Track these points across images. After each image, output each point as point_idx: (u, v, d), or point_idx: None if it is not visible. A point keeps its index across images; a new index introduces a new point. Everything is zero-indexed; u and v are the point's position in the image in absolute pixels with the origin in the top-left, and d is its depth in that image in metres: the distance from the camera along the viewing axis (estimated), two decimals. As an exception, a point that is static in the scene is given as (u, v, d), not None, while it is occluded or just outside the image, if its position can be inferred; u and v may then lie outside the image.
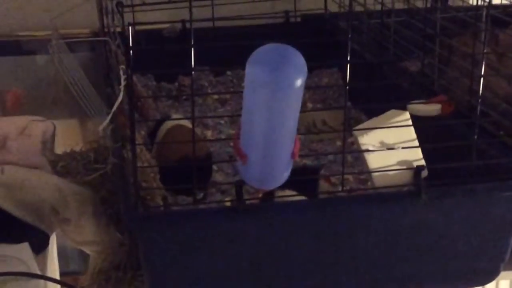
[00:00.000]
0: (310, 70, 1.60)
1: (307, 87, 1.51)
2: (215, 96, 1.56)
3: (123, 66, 0.93)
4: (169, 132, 1.20)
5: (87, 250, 1.11)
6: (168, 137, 1.19)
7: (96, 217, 1.07)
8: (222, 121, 1.45)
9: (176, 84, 1.59)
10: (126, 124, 1.00)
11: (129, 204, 0.93)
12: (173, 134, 1.19)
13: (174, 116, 1.28)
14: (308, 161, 1.28)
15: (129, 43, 0.84)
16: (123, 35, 1.07)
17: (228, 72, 1.62)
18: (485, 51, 1.00)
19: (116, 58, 1.13)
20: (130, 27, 0.86)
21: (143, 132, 1.38)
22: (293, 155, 0.89)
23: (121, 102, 1.03)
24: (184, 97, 1.54)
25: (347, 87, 0.95)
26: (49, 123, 1.14)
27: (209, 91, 1.56)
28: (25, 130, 1.11)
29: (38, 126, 1.12)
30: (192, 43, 0.88)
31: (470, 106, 1.07)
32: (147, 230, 0.93)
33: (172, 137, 1.18)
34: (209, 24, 1.47)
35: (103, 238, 1.07)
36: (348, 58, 0.93)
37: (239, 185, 0.91)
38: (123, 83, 0.93)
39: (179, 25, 1.57)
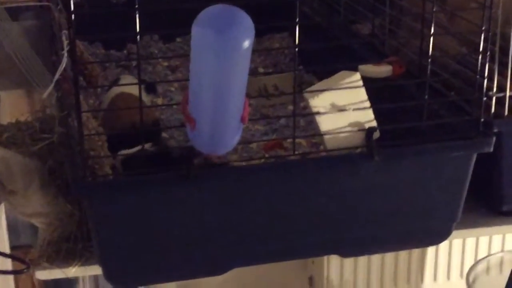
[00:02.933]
0: (261, 35, 1.60)
1: (258, 50, 1.50)
2: (165, 63, 1.53)
3: (65, 31, 0.89)
4: (115, 99, 1.17)
5: (35, 222, 1.08)
6: (114, 104, 1.16)
7: (44, 188, 1.04)
8: (172, 88, 1.43)
9: (125, 51, 1.56)
10: (71, 92, 0.97)
11: (76, 173, 0.90)
12: (119, 102, 1.16)
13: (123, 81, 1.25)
14: (259, 127, 1.27)
15: (70, 5, 0.81)
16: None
17: (178, 39, 1.60)
18: (434, 10, 1.00)
19: (59, 24, 1.10)
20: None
21: (91, 101, 1.35)
22: (242, 119, 0.87)
23: (66, 69, 1.00)
24: (134, 64, 1.51)
25: (296, 49, 0.93)
26: (-11, 92, 1.10)
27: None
28: (-39, 100, 1.06)
29: (-25, 95, 1.08)
30: (136, 5, 0.86)
31: (421, 67, 1.07)
32: (95, 199, 0.91)
33: (118, 104, 1.15)
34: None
35: (51, 210, 1.05)
36: (297, 20, 0.91)
37: (189, 151, 0.90)
38: (66, 48, 0.90)
39: (127, -9, 1.54)
